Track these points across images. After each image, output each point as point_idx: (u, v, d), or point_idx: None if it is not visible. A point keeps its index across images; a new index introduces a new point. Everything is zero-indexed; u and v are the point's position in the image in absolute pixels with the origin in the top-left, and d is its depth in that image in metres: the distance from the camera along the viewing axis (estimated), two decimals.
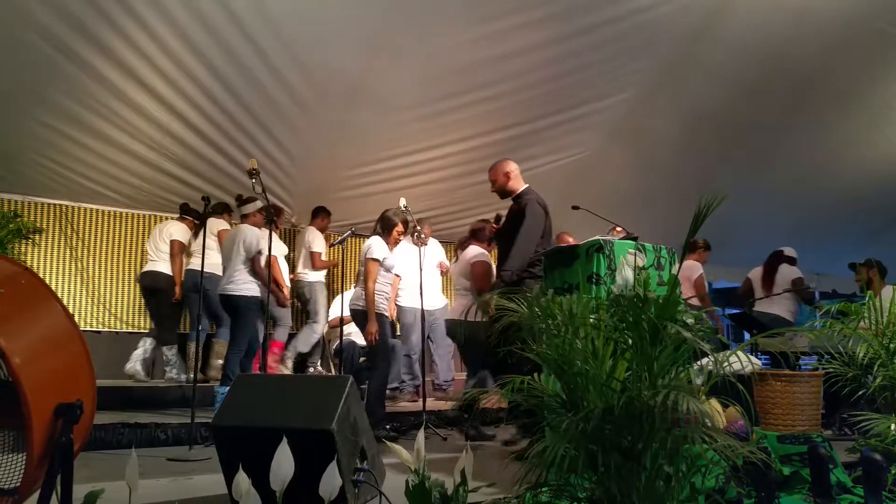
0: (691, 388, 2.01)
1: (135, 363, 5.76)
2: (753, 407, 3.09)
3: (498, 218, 4.56)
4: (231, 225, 5.71)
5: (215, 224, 5.65)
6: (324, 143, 5.89)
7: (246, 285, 4.71)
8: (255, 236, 4.77)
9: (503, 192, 4.38)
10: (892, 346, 2.92)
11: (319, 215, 6.43)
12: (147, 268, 5.92)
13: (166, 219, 6.33)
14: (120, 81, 4.91)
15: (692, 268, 5.96)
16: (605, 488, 1.94)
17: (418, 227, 4.98)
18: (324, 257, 6.42)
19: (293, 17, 4.65)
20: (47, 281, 3.41)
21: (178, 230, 5.91)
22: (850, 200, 8.19)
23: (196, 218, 6.02)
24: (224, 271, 4.86)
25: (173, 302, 5.84)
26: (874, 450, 2.64)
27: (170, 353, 5.87)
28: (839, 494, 2.86)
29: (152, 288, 5.89)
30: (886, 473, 2.59)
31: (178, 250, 5.84)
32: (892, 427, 2.78)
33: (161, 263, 5.84)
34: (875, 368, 2.93)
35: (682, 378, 2.03)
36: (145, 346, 5.85)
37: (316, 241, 6.32)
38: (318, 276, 6.41)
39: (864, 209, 8.46)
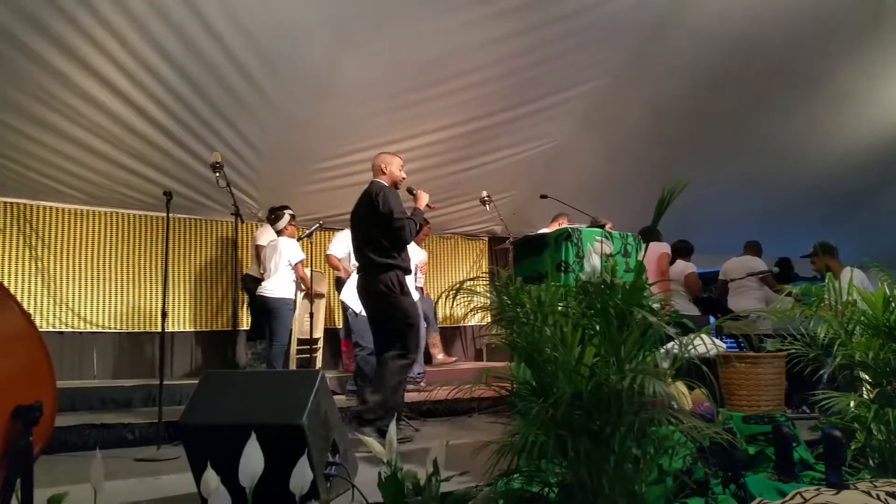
0: (658, 371, 2.05)
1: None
2: (719, 389, 3.16)
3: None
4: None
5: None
6: (289, 135, 5.80)
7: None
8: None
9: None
10: (850, 326, 3.00)
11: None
12: None
13: (129, 216, 6.34)
14: (75, 75, 4.76)
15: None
16: (576, 473, 1.96)
17: None
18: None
19: (255, 8, 4.58)
20: (6, 282, 3.31)
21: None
22: (810, 188, 8.41)
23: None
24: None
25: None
26: (834, 427, 2.71)
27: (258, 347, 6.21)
28: (802, 471, 2.94)
29: None
30: (846, 449, 2.67)
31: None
32: (851, 404, 2.86)
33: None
34: (835, 348, 3.01)
35: (648, 362, 2.06)
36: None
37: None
38: None
39: (824, 196, 8.70)
